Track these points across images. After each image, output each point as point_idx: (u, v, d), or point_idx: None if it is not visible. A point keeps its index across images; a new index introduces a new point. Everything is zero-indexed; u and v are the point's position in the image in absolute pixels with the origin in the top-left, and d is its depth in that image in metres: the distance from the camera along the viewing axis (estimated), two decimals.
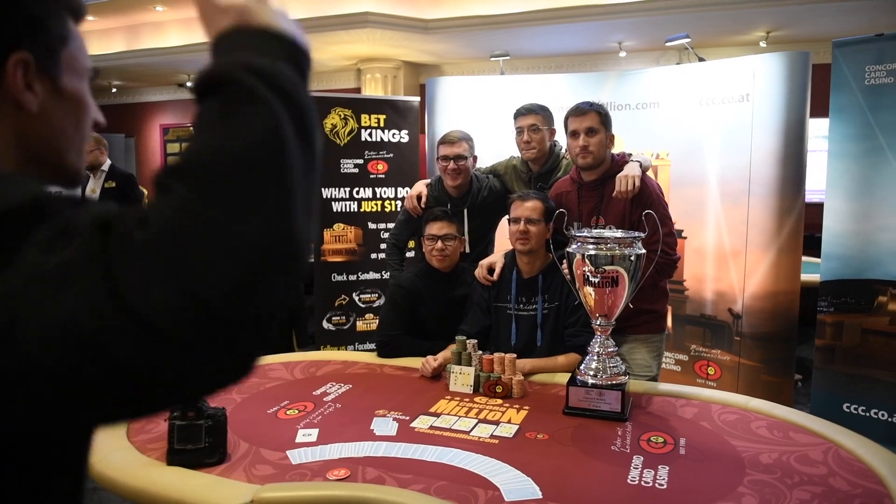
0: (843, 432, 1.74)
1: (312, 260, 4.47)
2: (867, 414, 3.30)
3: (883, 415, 3.25)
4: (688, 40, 3.93)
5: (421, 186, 2.98)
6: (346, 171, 4.10)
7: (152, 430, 1.78)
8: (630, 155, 2.48)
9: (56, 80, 0.62)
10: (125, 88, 9.98)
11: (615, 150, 2.51)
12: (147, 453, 1.64)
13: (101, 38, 7.60)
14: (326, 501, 1.45)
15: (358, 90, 7.83)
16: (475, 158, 2.90)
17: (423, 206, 2.89)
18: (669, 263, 2.34)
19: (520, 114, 2.83)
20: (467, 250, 2.77)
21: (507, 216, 2.45)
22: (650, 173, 2.53)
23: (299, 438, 1.75)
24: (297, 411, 1.95)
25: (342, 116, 4.05)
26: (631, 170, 2.34)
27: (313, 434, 1.78)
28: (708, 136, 3.59)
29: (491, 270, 2.45)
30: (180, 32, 7.23)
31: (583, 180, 2.46)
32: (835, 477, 1.51)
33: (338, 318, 4.20)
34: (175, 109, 9.91)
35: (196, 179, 0.45)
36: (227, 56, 0.53)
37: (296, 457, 1.64)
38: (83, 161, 0.67)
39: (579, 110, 2.42)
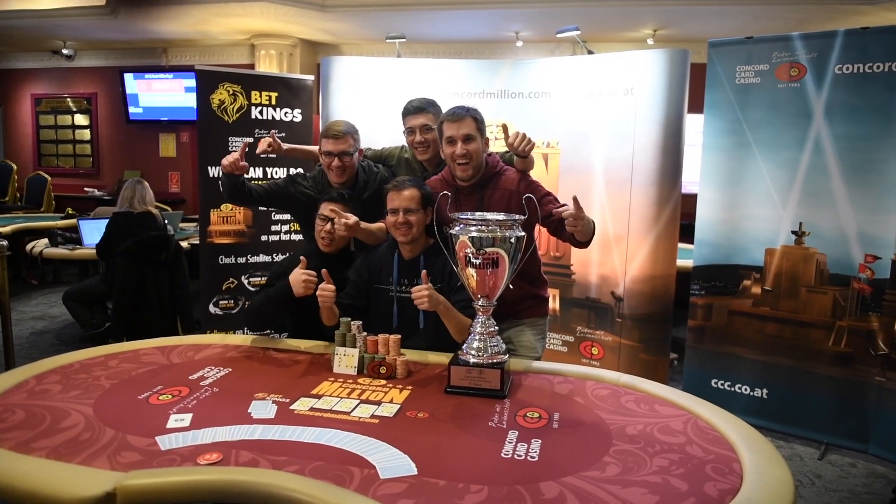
0: (702, 404, 1.87)
1: (197, 242, 4.29)
2: (732, 388, 3.57)
3: (745, 389, 3.53)
4: (577, 33, 4.06)
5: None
6: (234, 149, 3.94)
7: (7, 418, 1.66)
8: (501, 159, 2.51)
9: None
10: None
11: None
12: (0, 444, 1.52)
13: None
14: (195, 487, 1.40)
15: (252, 66, 7.54)
16: (361, 151, 2.74)
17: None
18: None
19: (409, 112, 2.69)
20: (352, 248, 2.63)
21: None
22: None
23: (170, 424, 1.68)
24: (170, 396, 1.86)
25: (231, 92, 3.89)
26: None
27: (186, 419, 1.71)
28: (595, 127, 3.73)
29: None
30: None
31: (458, 183, 2.42)
32: (692, 445, 1.62)
33: (225, 302, 4.05)
34: (49, 78, 9.07)
35: None
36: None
37: (165, 443, 1.57)
38: None
39: (455, 115, 2.35)
